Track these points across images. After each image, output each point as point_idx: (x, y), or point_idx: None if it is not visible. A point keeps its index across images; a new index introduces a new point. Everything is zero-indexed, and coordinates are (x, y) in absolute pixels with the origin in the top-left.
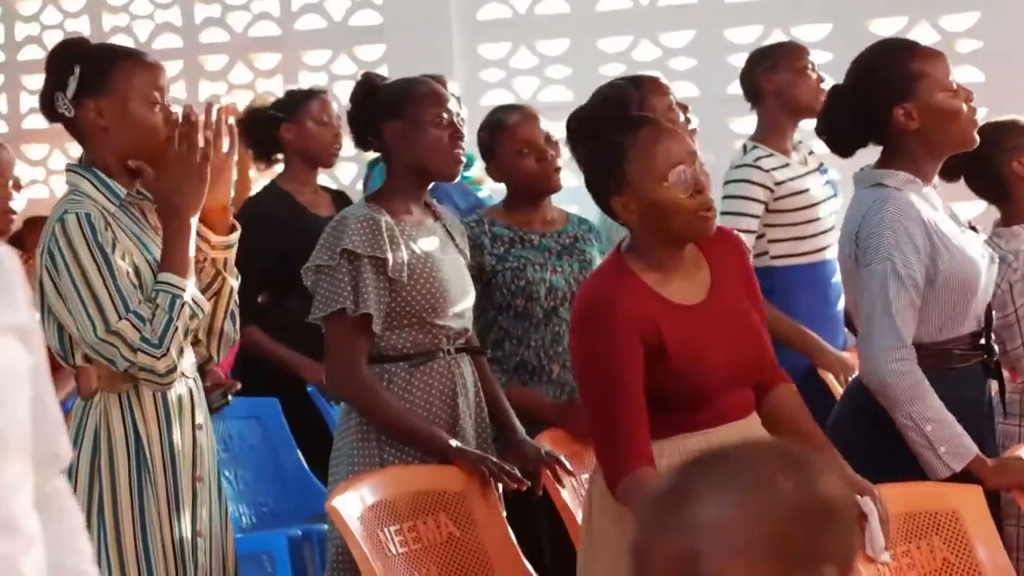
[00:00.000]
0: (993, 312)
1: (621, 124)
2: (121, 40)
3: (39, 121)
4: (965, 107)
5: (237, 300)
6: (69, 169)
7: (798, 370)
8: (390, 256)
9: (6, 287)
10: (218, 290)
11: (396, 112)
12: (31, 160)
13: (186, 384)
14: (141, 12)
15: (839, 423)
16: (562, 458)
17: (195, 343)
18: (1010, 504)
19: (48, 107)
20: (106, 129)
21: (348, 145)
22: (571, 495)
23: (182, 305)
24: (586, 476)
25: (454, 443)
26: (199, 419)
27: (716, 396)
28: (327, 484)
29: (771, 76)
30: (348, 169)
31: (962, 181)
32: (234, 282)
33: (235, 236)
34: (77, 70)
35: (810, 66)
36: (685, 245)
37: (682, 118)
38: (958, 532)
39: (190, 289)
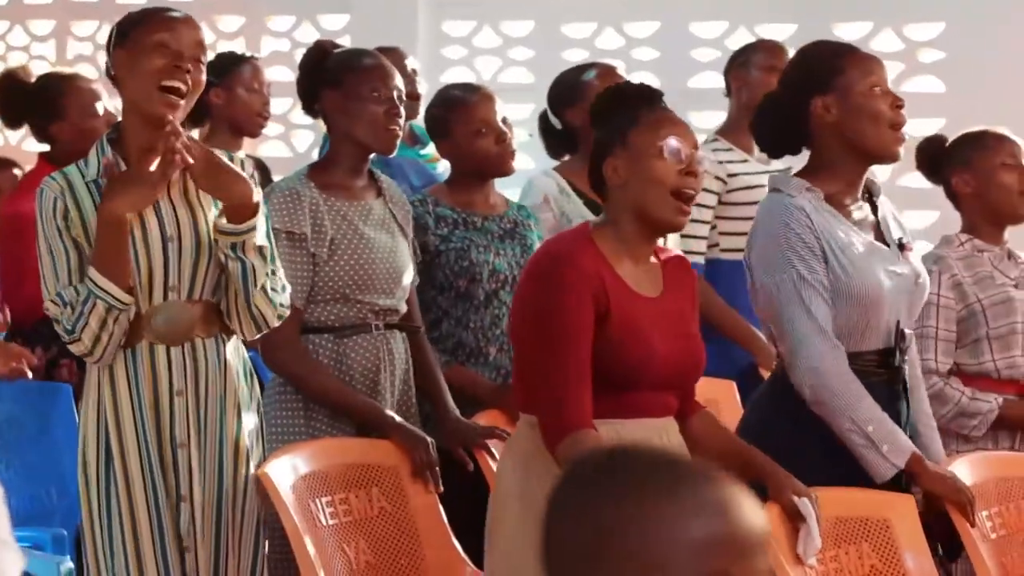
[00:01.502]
0: (907, 331)
1: (645, 99)
2: None
3: None
4: (889, 113)
5: (267, 281)
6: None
7: (740, 367)
8: (308, 230)
9: None
10: (229, 272)
11: (335, 82)
12: None
13: (165, 352)
14: None
15: (765, 424)
16: (496, 431)
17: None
18: None
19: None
20: (123, 80)
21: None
22: None
23: (95, 302)
24: None
25: (396, 418)
26: (178, 385)
27: (642, 388)
28: None
29: (739, 73)
30: (304, 137)
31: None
32: (238, 267)
33: (235, 227)
34: (114, 30)
35: (780, 66)
36: (653, 237)
37: None
38: (887, 539)
39: (107, 286)
